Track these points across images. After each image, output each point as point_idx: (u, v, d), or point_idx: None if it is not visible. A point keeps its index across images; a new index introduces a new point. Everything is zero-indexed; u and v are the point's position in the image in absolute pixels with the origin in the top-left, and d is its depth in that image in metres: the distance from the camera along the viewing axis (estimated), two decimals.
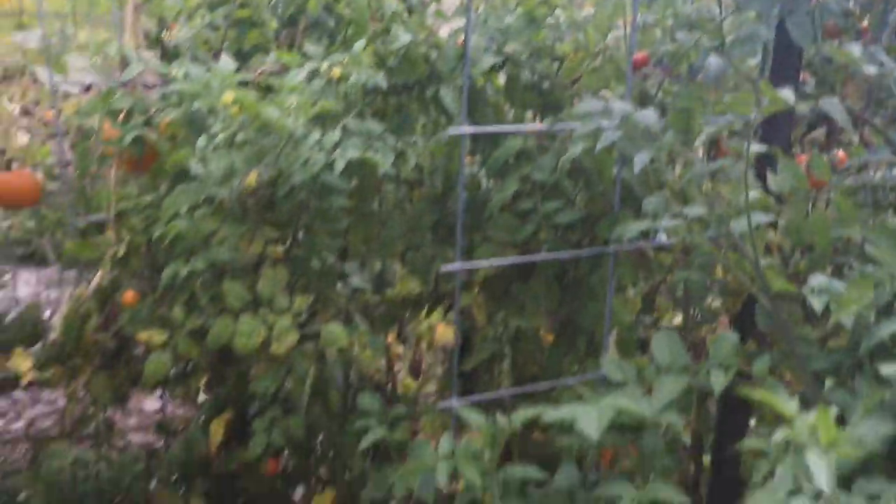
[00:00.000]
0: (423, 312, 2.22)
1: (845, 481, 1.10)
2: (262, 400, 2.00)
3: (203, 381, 2.27)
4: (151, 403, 3.86)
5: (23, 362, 2.24)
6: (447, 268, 1.65)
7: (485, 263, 1.80)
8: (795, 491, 1.04)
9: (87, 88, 3.80)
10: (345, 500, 2.03)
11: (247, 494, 2.29)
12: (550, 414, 1.38)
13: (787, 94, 1.22)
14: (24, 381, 2.23)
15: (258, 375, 1.89)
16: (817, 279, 1.35)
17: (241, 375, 2.03)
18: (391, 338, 2.29)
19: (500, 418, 1.45)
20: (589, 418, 1.31)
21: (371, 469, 1.94)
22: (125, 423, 3.08)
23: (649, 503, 1.35)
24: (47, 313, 4.51)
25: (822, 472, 0.91)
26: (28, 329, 4.11)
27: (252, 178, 1.69)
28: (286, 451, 2.14)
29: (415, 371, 2.17)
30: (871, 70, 1.35)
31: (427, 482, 1.56)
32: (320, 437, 2.04)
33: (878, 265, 1.27)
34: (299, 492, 2.30)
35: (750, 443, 1.20)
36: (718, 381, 1.37)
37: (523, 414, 1.41)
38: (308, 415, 1.89)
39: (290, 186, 1.81)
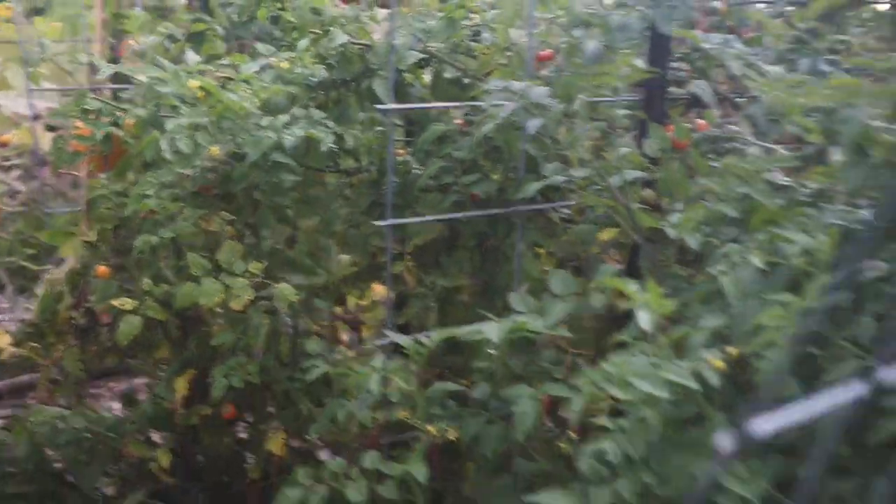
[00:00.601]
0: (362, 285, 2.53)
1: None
2: (222, 356, 2.27)
3: (165, 352, 2.53)
4: (106, 403, 4.05)
5: (1, 339, 2.48)
6: (379, 223, 1.95)
7: (412, 220, 2.11)
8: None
9: (36, 117, 4.04)
10: (294, 443, 2.30)
11: (206, 456, 2.54)
12: (463, 331, 1.68)
13: (639, 63, 1.56)
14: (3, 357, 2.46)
15: (219, 331, 2.16)
16: (674, 217, 1.69)
17: (202, 337, 2.30)
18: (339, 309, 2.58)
19: (424, 339, 1.74)
20: (492, 329, 1.62)
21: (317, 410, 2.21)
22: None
23: (542, 396, 1.65)
24: None
25: (646, 319, 1.23)
26: None
27: (215, 150, 1.98)
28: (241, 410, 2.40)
29: (352, 325, 2.46)
30: (711, 46, 1.71)
31: (363, 401, 1.84)
32: (272, 388, 2.30)
33: (719, 199, 1.61)
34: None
35: (620, 336, 1.52)
36: (599, 300, 1.69)
37: (442, 333, 1.71)
38: (262, 363, 2.16)
39: (244, 166, 2.10)
